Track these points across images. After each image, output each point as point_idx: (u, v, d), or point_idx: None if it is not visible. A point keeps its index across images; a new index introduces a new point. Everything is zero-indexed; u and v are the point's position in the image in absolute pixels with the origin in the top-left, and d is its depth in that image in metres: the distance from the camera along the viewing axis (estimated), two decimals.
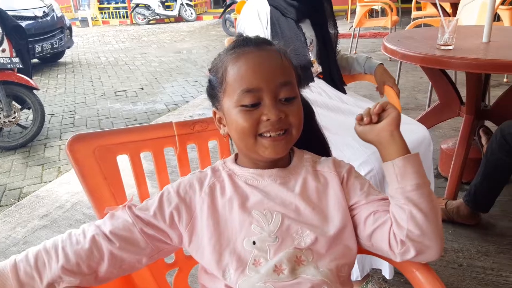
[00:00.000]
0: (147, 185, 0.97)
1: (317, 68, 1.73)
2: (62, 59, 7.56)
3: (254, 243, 0.73)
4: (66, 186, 2.60)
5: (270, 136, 0.75)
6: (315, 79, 1.70)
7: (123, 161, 0.94)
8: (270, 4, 1.62)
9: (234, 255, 0.73)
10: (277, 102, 0.75)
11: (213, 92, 0.82)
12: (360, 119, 0.81)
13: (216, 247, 0.74)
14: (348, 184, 0.82)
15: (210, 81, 0.83)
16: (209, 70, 0.84)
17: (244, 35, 0.84)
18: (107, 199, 0.90)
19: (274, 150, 0.75)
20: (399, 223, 0.74)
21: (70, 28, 7.32)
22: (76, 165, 0.89)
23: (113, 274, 0.76)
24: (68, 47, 7.40)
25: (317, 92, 1.68)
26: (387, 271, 1.46)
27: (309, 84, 1.67)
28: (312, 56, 1.71)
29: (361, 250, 0.84)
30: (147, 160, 0.98)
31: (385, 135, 0.77)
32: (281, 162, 0.82)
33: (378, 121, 0.79)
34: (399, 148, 0.76)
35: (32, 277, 0.71)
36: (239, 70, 0.76)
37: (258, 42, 0.80)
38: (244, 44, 0.79)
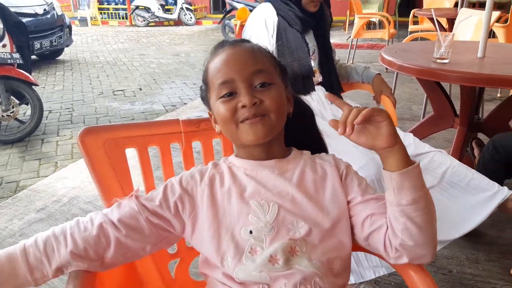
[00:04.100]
0: (153, 178, 1.01)
1: (318, 77, 1.77)
2: (61, 57, 7.57)
3: (251, 232, 0.76)
4: (63, 181, 2.62)
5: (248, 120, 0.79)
6: (315, 87, 1.75)
7: (130, 157, 0.98)
8: (278, 14, 1.66)
9: (232, 243, 0.76)
10: (252, 89, 0.79)
11: (203, 95, 0.89)
12: (335, 126, 0.75)
13: (215, 235, 0.77)
14: (346, 180, 0.85)
15: (201, 87, 0.90)
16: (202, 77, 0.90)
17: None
18: (115, 190, 0.94)
19: (254, 134, 0.79)
20: (394, 232, 0.76)
21: (69, 27, 7.32)
22: (87, 156, 0.92)
23: (119, 260, 0.79)
24: (67, 45, 7.40)
25: (316, 100, 1.72)
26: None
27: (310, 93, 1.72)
28: (314, 66, 1.76)
29: (358, 247, 0.87)
30: (150, 156, 1.01)
31: (384, 153, 0.75)
32: (278, 155, 0.85)
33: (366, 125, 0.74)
34: (398, 161, 0.74)
35: (41, 262, 0.73)
36: (215, 67, 0.83)
37: (233, 42, 0.87)
38: (221, 46, 0.86)
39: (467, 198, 1.44)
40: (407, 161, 0.74)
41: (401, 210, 0.74)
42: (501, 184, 1.75)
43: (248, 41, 0.88)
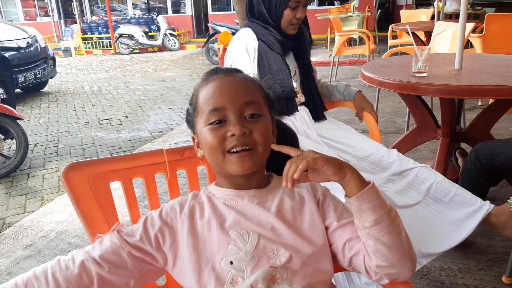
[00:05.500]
0: (138, 209, 1.00)
1: (300, 98, 1.80)
2: (45, 89, 7.55)
3: (231, 263, 0.76)
4: (50, 216, 2.58)
5: (237, 151, 0.79)
6: (298, 107, 1.77)
7: (115, 188, 0.98)
8: (258, 38, 1.69)
9: (213, 275, 0.76)
10: (242, 119, 0.81)
11: (189, 119, 0.90)
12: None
13: (196, 267, 0.77)
14: (323, 206, 0.86)
15: (187, 110, 0.91)
16: (189, 101, 0.91)
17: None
18: (101, 225, 0.93)
19: (241, 166, 0.80)
20: (369, 255, 0.78)
21: (53, 58, 7.34)
22: (71, 192, 0.92)
23: None
24: (51, 77, 7.41)
25: (300, 120, 1.75)
26: None
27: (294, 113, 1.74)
28: (296, 87, 1.79)
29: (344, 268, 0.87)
30: (135, 186, 1.01)
31: (340, 183, 0.77)
32: (258, 183, 0.86)
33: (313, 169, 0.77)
34: (353, 187, 0.76)
35: None
36: (207, 93, 0.84)
37: (226, 70, 0.89)
38: (214, 73, 0.88)
39: (451, 214, 1.46)
40: (362, 185, 0.76)
41: (367, 233, 0.76)
42: (486, 192, 1.78)
43: (241, 72, 0.89)
